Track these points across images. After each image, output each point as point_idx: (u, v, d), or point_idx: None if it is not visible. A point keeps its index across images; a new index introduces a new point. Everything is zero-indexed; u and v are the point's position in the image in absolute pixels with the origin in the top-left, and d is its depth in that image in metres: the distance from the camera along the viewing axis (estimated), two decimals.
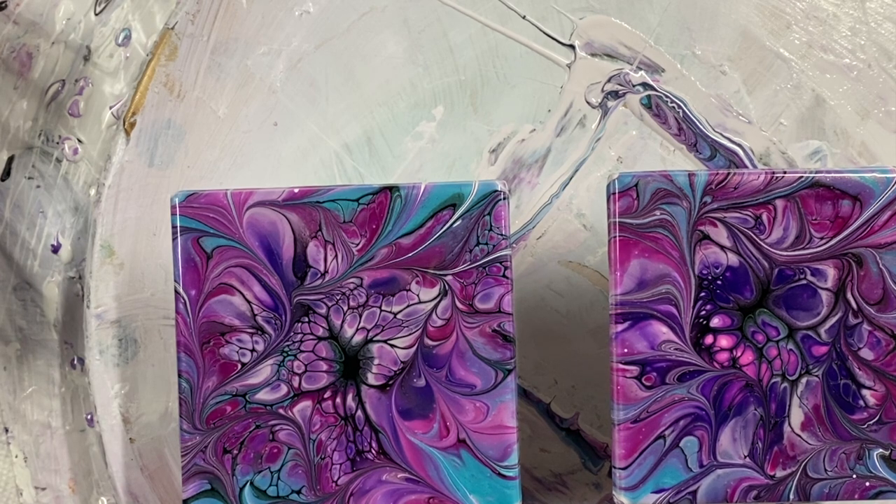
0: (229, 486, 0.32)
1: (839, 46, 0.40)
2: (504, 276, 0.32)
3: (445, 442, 0.32)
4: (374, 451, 0.32)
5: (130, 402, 0.41)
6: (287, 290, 0.32)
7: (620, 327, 0.31)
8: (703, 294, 0.31)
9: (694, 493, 0.32)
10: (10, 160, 0.44)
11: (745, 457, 0.31)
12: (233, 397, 0.32)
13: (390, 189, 0.32)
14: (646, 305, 0.31)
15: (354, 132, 0.41)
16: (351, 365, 0.32)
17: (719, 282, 0.31)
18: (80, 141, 0.43)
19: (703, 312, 0.31)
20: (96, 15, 0.42)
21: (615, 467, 0.31)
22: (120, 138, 0.41)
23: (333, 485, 0.32)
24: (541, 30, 0.41)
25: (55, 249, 0.43)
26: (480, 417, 0.32)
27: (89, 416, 0.43)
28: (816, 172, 0.31)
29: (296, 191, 0.32)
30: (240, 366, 0.32)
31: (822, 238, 0.31)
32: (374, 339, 0.32)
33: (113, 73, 0.43)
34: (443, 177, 0.41)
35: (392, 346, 0.32)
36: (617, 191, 0.31)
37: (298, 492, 0.32)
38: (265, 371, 0.32)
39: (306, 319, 0.32)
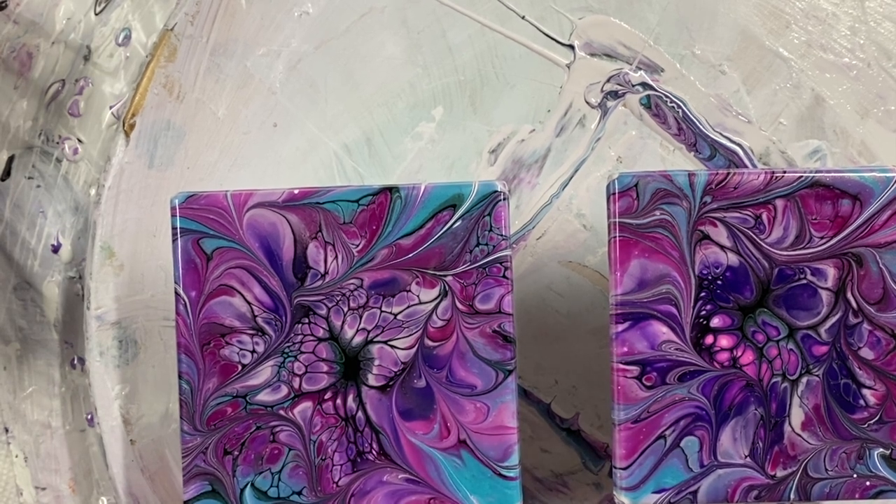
0: (230, 488, 0.32)
1: (838, 46, 0.40)
2: (504, 276, 0.32)
3: (446, 443, 0.32)
4: (374, 452, 0.32)
5: (131, 404, 0.41)
6: (287, 292, 0.32)
7: (621, 327, 0.31)
8: (703, 294, 0.31)
9: (695, 492, 0.32)
10: (10, 160, 0.43)
11: (746, 456, 0.31)
12: (233, 399, 0.32)
13: (390, 190, 0.32)
14: (646, 305, 0.31)
15: (354, 133, 0.41)
16: (351, 366, 0.32)
17: (719, 282, 0.31)
18: (80, 141, 0.43)
19: (704, 312, 0.31)
20: (96, 15, 0.42)
21: (616, 467, 0.31)
22: (119, 140, 0.41)
23: (334, 486, 0.32)
24: (540, 30, 0.41)
25: (55, 249, 0.43)
26: (481, 418, 0.32)
27: (89, 416, 0.43)
28: (816, 172, 0.31)
29: (296, 192, 0.32)
30: (240, 367, 0.32)
31: (822, 238, 0.31)
32: (375, 339, 0.32)
33: (113, 73, 0.42)
34: (442, 177, 0.41)
35: (392, 346, 0.32)
36: (617, 191, 0.31)
37: (299, 493, 0.32)
38: (265, 372, 0.32)
39: (306, 320, 0.32)
